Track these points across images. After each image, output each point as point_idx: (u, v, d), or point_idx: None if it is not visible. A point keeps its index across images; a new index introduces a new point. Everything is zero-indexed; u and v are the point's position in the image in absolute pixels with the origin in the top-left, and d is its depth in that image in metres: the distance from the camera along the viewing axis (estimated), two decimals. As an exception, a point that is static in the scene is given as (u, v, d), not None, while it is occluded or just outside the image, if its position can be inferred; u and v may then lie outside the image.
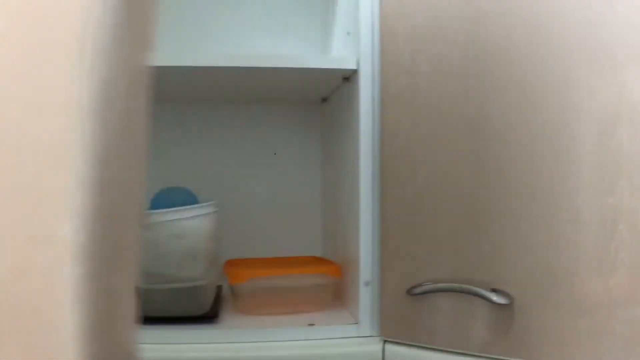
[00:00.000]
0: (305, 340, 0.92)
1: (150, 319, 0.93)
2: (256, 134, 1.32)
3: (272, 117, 1.32)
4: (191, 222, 0.96)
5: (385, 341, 0.92)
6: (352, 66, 0.95)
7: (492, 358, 0.82)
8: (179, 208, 0.96)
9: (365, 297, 0.93)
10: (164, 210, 0.95)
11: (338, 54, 1.13)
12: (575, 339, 0.76)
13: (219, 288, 1.10)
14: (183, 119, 1.30)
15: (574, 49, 0.76)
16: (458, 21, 0.87)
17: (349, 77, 1.00)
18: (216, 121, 1.31)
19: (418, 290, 0.87)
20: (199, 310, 0.96)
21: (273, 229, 1.32)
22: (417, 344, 0.89)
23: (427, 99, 0.89)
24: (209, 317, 0.96)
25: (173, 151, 1.28)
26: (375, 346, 0.91)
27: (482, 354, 0.83)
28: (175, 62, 0.92)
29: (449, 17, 0.88)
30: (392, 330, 0.92)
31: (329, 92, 1.18)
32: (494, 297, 0.80)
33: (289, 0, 1.34)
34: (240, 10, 1.33)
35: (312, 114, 1.33)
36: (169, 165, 1.27)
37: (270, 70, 0.97)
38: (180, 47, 1.28)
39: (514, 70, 0.81)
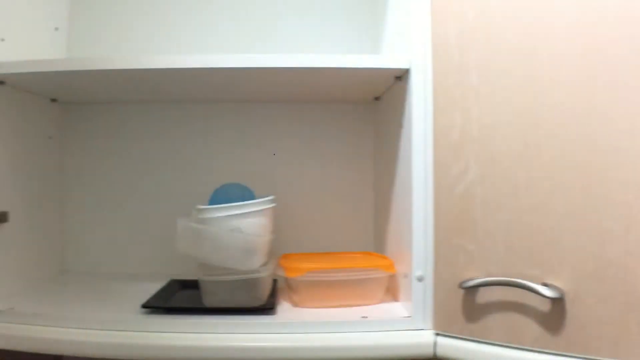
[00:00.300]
0: (358, 332, 0.96)
1: (211, 310, 1.00)
2: (310, 132, 1.39)
3: (326, 116, 1.40)
4: (249, 217, 1.02)
5: (437, 334, 0.96)
6: (405, 65, 0.99)
7: (545, 352, 0.86)
8: (238, 204, 1.02)
9: (418, 291, 0.97)
10: (223, 205, 1.02)
11: (390, 53, 1.18)
12: (627, 334, 0.79)
13: (275, 280, 1.16)
14: (241, 118, 1.39)
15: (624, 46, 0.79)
16: (507, 19, 0.91)
17: (401, 77, 1.05)
18: (272, 120, 1.40)
19: (470, 284, 0.90)
20: (257, 302, 1.02)
21: (326, 223, 1.39)
22: (468, 338, 0.93)
23: (478, 96, 0.92)
24: (266, 308, 1.02)
25: (232, 149, 1.39)
26: (427, 339, 0.95)
27: (534, 348, 0.87)
28: (237, 64, 1.00)
29: (498, 15, 0.91)
30: (444, 323, 0.96)
31: (381, 91, 1.23)
32: (545, 291, 0.83)
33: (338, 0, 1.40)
34: (290, 10, 1.40)
35: (365, 112, 1.39)
36: (229, 163, 1.38)
37: (323, 70, 1.03)
38: (238, 49, 1.37)
39: (563, 65, 0.84)
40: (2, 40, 1.10)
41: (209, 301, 1.02)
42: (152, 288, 1.17)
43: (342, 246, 1.36)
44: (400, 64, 1.00)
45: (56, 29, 1.36)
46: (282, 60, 1.00)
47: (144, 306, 1.02)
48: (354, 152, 1.40)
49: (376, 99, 1.33)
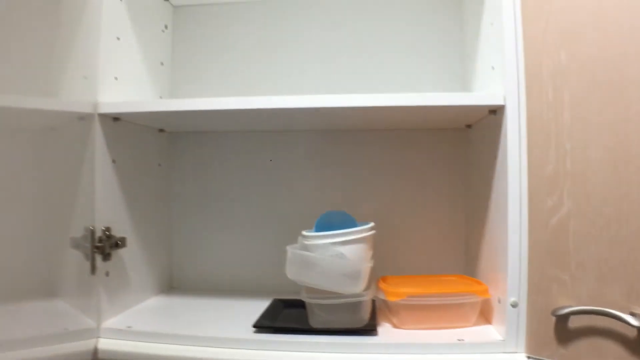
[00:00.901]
0: (456, 354, 1.08)
1: (317, 330, 1.14)
2: (403, 158, 1.53)
3: (418, 142, 1.52)
4: (352, 244, 1.15)
5: (529, 357, 1.06)
6: (500, 102, 1.10)
7: (633, 377, 0.96)
8: (341, 231, 1.15)
9: (512, 316, 1.07)
10: (328, 233, 1.15)
11: (484, 89, 1.28)
12: None
13: (373, 301, 1.29)
14: (338, 146, 1.55)
15: None
16: (598, 60, 1.01)
17: (495, 111, 1.16)
18: (368, 148, 1.54)
19: (562, 312, 1.01)
20: (359, 323, 1.15)
21: (418, 245, 1.51)
22: (560, 362, 1.03)
23: (571, 133, 1.02)
24: (368, 329, 1.15)
25: (332, 177, 1.54)
26: (520, 362, 1.06)
27: (623, 376, 0.97)
28: (336, 104, 1.14)
29: (589, 55, 1.01)
30: (535, 347, 1.06)
31: (473, 120, 1.35)
32: (632, 321, 0.93)
33: (429, 35, 1.54)
34: (381, 46, 1.55)
35: (456, 138, 1.51)
36: (330, 190, 1.53)
37: (420, 108, 1.16)
38: (330, 87, 1.55)
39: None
40: (116, 79, 1.28)
41: (315, 322, 1.16)
42: (256, 305, 1.33)
43: (433, 267, 1.49)
44: (496, 101, 1.11)
45: (162, 63, 1.55)
46: (383, 100, 1.13)
47: (255, 326, 1.17)
48: (446, 176, 1.51)
49: (468, 126, 1.44)
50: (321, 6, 1.57)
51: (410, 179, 1.52)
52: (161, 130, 1.54)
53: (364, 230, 1.18)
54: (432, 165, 1.52)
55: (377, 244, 1.26)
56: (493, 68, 1.19)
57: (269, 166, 1.57)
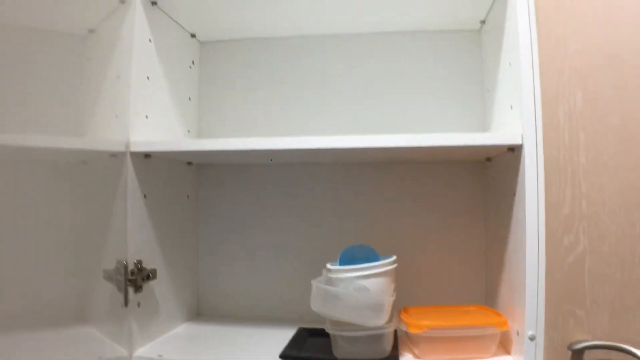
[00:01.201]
0: (476, 385, 1.15)
1: (341, 362, 1.21)
2: (424, 190, 1.60)
3: (439, 174, 1.59)
4: (375, 277, 1.22)
5: (547, 389, 1.13)
6: (517, 141, 1.17)
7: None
8: (364, 265, 1.22)
9: (530, 349, 1.13)
10: (351, 267, 1.22)
11: (502, 126, 1.35)
12: None
13: (395, 331, 1.35)
14: (361, 179, 1.62)
15: None
16: (613, 103, 1.07)
17: (513, 148, 1.22)
18: (389, 180, 1.61)
19: (578, 346, 1.07)
20: (382, 354, 1.21)
21: (439, 276, 1.57)
22: (577, 393, 1.10)
23: (586, 174, 1.09)
24: (390, 360, 1.22)
25: (354, 208, 1.62)
26: (538, 393, 1.12)
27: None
28: (358, 145, 1.22)
29: (604, 98, 1.08)
30: (554, 378, 1.13)
31: (493, 154, 1.42)
32: (647, 358, 1.00)
33: (450, 72, 1.62)
34: (402, 84, 1.63)
35: (476, 171, 1.58)
36: (352, 221, 1.61)
37: (440, 148, 1.23)
38: (350, 127, 1.64)
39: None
40: (146, 117, 1.36)
41: (339, 353, 1.23)
42: (281, 334, 1.40)
43: (454, 296, 1.55)
44: (514, 141, 1.17)
45: (189, 98, 1.63)
46: (405, 141, 1.19)
47: (282, 356, 1.24)
48: (466, 207, 1.58)
49: (488, 159, 1.51)
50: (344, 44, 1.66)
51: (431, 210, 1.59)
52: (189, 163, 1.62)
53: (386, 264, 1.24)
54: (453, 196, 1.58)
55: (399, 274, 1.32)
56: (511, 107, 1.26)
57: (292, 197, 1.64)
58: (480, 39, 1.59)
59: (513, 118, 1.24)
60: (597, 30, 1.10)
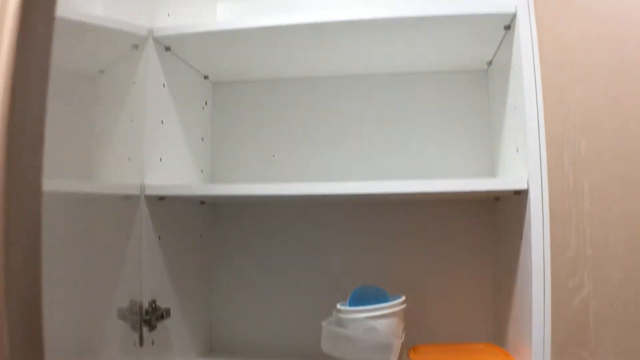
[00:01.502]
0: None
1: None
2: (433, 228, 1.64)
3: (448, 213, 1.64)
4: (384, 318, 1.27)
5: None
6: (523, 186, 1.21)
7: None
8: (374, 306, 1.27)
9: (536, 389, 1.18)
10: (361, 308, 1.27)
11: (509, 168, 1.40)
12: None
13: (404, 368, 1.40)
14: (372, 219, 1.67)
15: None
16: (618, 150, 1.11)
17: (519, 192, 1.27)
18: (399, 219, 1.66)
19: (584, 389, 1.11)
20: (391, 394, 1.26)
21: (449, 313, 1.61)
22: None
23: (591, 219, 1.13)
24: (400, 400, 1.26)
25: (364, 246, 1.66)
26: None
27: None
28: (375, 190, 1.26)
29: (609, 145, 1.12)
30: (561, 419, 1.16)
31: (501, 195, 1.46)
32: (652, 402, 1.03)
33: (458, 114, 1.68)
34: (412, 125, 1.68)
35: (485, 210, 1.62)
36: (362, 258, 1.65)
37: (446, 193, 1.28)
38: (364, 172, 1.68)
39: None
40: (160, 160, 1.42)
41: (350, 393, 1.28)
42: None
43: (463, 333, 1.59)
44: (519, 185, 1.21)
45: (202, 139, 1.69)
46: (415, 186, 1.24)
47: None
48: (474, 246, 1.62)
49: (496, 199, 1.56)
50: (354, 85, 1.72)
51: (441, 248, 1.63)
52: (202, 203, 1.67)
53: (395, 305, 1.29)
54: (462, 235, 1.63)
55: (409, 312, 1.37)
56: (517, 150, 1.30)
57: (303, 236, 1.69)
58: (487, 79, 1.65)
59: (519, 161, 1.29)
60: (601, 76, 1.14)
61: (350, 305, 1.31)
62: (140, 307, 1.29)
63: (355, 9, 1.31)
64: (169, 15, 1.48)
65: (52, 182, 1.19)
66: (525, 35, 1.25)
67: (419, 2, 1.65)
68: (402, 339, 1.28)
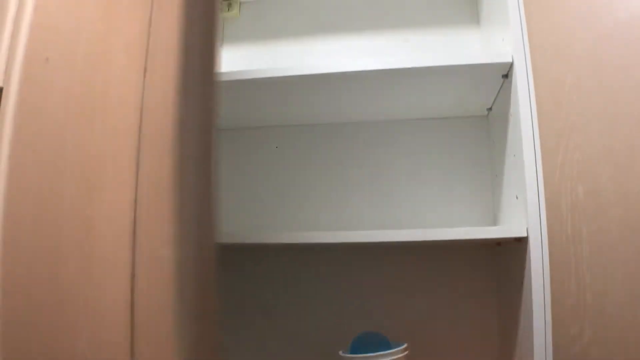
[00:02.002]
0: None
1: None
2: (437, 273, 1.68)
3: (451, 258, 1.67)
4: (386, 366, 1.30)
5: None
6: (523, 234, 1.25)
7: None
8: (375, 354, 1.29)
9: None
10: (362, 355, 1.29)
11: (509, 215, 1.44)
12: None
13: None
14: (376, 264, 1.71)
15: None
16: (614, 196, 1.15)
17: (520, 240, 1.31)
18: (402, 264, 1.69)
19: None
20: None
21: (452, 358, 1.63)
22: None
23: (590, 267, 1.16)
24: None
25: (366, 296, 1.70)
26: None
27: None
28: (380, 239, 1.30)
29: (605, 191, 1.16)
30: None
31: (502, 241, 1.50)
32: None
33: (460, 161, 1.73)
34: (414, 181, 1.74)
35: (487, 256, 1.66)
36: (365, 308, 1.69)
37: (447, 241, 1.32)
38: (369, 218, 1.71)
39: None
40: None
41: None
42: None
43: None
44: (519, 233, 1.25)
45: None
46: (419, 235, 1.29)
47: None
48: (477, 291, 1.65)
49: (498, 244, 1.59)
50: (356, 132, 1.79)
51: (443, 294, 1.66)
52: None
53: (397, 352, 1.31)
54: (464, 280, 1.66)
55: (411, 358, 1.39)
56: (517, 197, 1.34)
57: (304, 282, 1.72)
58: (488, 124, 1.69)
59: (519, 207, 1.33)
60: (596, 125, 1.18)
61: (352, 352, 1.34)
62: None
63: (361, 61, 1.37)
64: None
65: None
66: (522, 83, 1.30)
67: (416, 53, 1.72)
68: (405, 387, 1.31)
